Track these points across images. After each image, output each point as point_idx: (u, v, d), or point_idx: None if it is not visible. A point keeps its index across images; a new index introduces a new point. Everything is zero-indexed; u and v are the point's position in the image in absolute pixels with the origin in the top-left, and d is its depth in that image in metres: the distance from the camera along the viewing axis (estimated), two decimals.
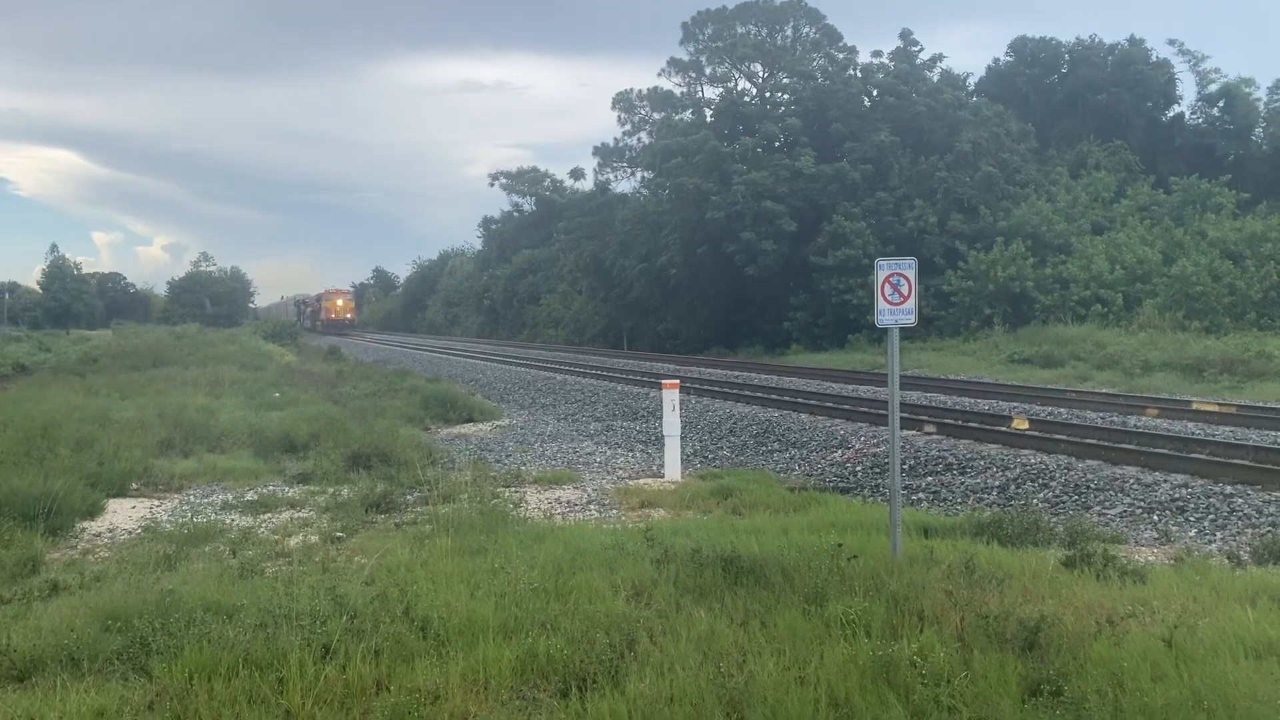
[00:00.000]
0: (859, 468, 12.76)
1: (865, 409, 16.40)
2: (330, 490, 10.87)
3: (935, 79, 42.19)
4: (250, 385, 22.88)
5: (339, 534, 8.77)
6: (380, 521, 9.35)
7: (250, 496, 10.78)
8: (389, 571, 6.96)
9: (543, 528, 8.69)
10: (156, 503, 10.77)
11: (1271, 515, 8.73)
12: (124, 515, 10.02)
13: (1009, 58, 48.33)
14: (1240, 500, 9.18)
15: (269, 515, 9.90)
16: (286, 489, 11.33)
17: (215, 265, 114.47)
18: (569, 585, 6.38)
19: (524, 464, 13.45)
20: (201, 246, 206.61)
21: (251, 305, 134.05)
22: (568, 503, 10.74)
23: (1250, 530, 8.48)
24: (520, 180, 68.96)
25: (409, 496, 10.52)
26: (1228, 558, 7.61)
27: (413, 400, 20.45)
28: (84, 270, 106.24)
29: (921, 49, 42.88)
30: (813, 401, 18.07)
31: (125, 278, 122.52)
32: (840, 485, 12.09)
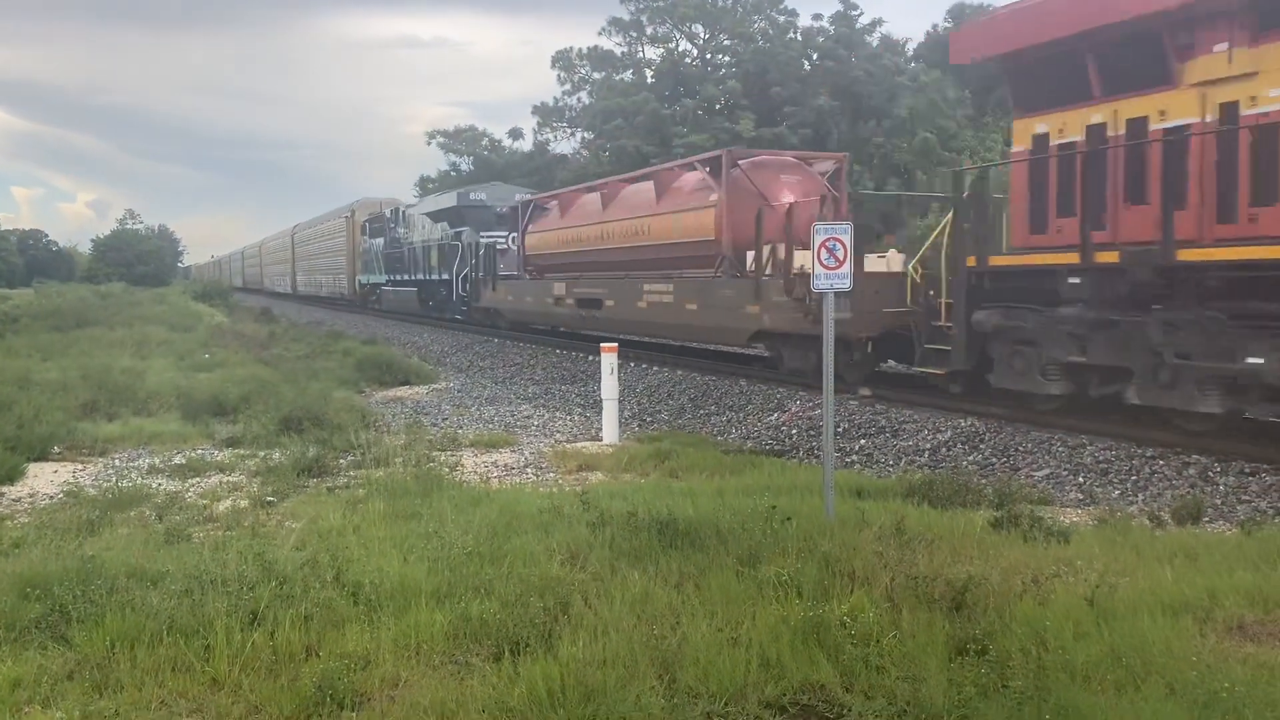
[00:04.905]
0: (795, 430, 12.88)
1: (801, 374, 16.52)
2: (261, 454, 10.68)
3: (875, 44, 42.40)
4: (179, 346, 22.35)
5: (269, 498, 8.63)
6: (312, 486, 9.22)
7: (178, 460, 10.54)
8: (320, 536, 6.87)
9: (478, 491, 8.63)
10: (79, 467, 10.48)
11: (1190, 477, 9.00)
12: (45, 480, 9.75)
13: (947, 24, 48.66)
14: (1162, 463, 9.44)
15: (197, 480, 9.70)
16: (216, 453, 11.11)
17: (142, 222, 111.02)
18: (504, 549, 6.35)
19: (461, 427, 13.34)
20: (128, 203, 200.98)
21: (181, 264, 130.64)
22: (505, 466, 10.69)
23: (1170, 492, 8.73)
24: (458, 139, 67.87)
25: (342, 460, 10.37)
26: (1149, 518, 7.83)
27: (347, 363, 20.15)
28: (3, 226, 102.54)
29: (861, 13, 43.08)
30: (751, 366, 18.17)
31: (47, 235, 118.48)
32: (776, 448, 12.19)
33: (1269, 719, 3.82)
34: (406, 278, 36.76)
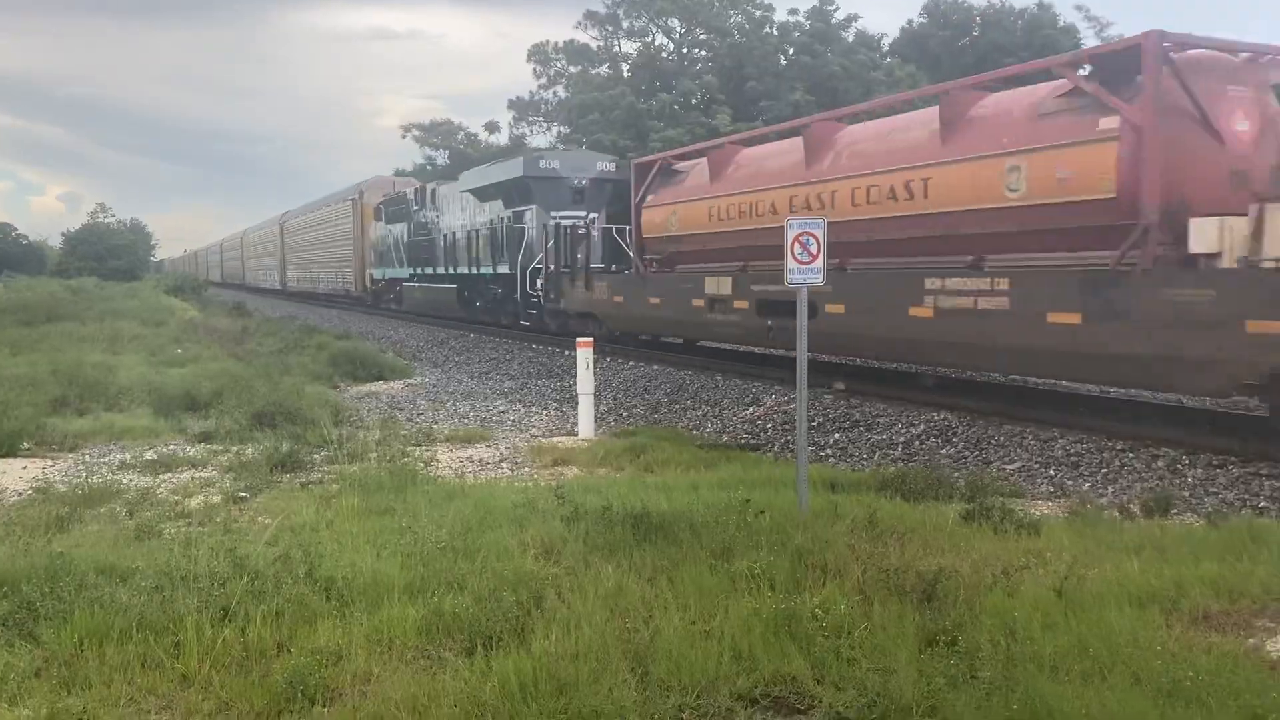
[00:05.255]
0: (770, 425, 12.92)
1: (778, 368, 16.58)
2: (234, 449, 10.61)
3: (850, 39, 42.54)
4: (151, 341, 22.16)
5: (242, 494, 8.57)
6: (285, 481, 9.16)
7: (149, 456, 10.45)
8: (293, 532, 6.83)
9: (453, 486, 8.62)
10: (49, 463, 10.37)
11: (1160, 470, 9.10)
12: (13, 476, 9.64)
13: (922, 20, 48.94)
14: (1132, 456, 9.54)
15: (169, 475, 9.62)
16: (188, 448, 11.02)
17: (114, 216, 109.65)
18: (478, 544, 6.35)
19: (436, 422, 13.30)
20: (99, 196, 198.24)
21: (153, 258, 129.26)
22: (480, 461, 10.66)
23: (1140, 484, 8.83)
24: (433, 132, 67.60)
25: (316, 456, 10.32)
26: (1119, 511, 7.92)
27: (321, 357, 20.02)
28: None
29: (837, 8, 43.17)
30: (727, 360, 18.21)
31: (16, 228, 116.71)
32: (752, 442, 12.23)
33: (1230, 706, 3.88)
34: (440, 271, 30.02)
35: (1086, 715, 3.85)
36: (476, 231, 27.08)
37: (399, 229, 34.34)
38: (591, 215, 22.86)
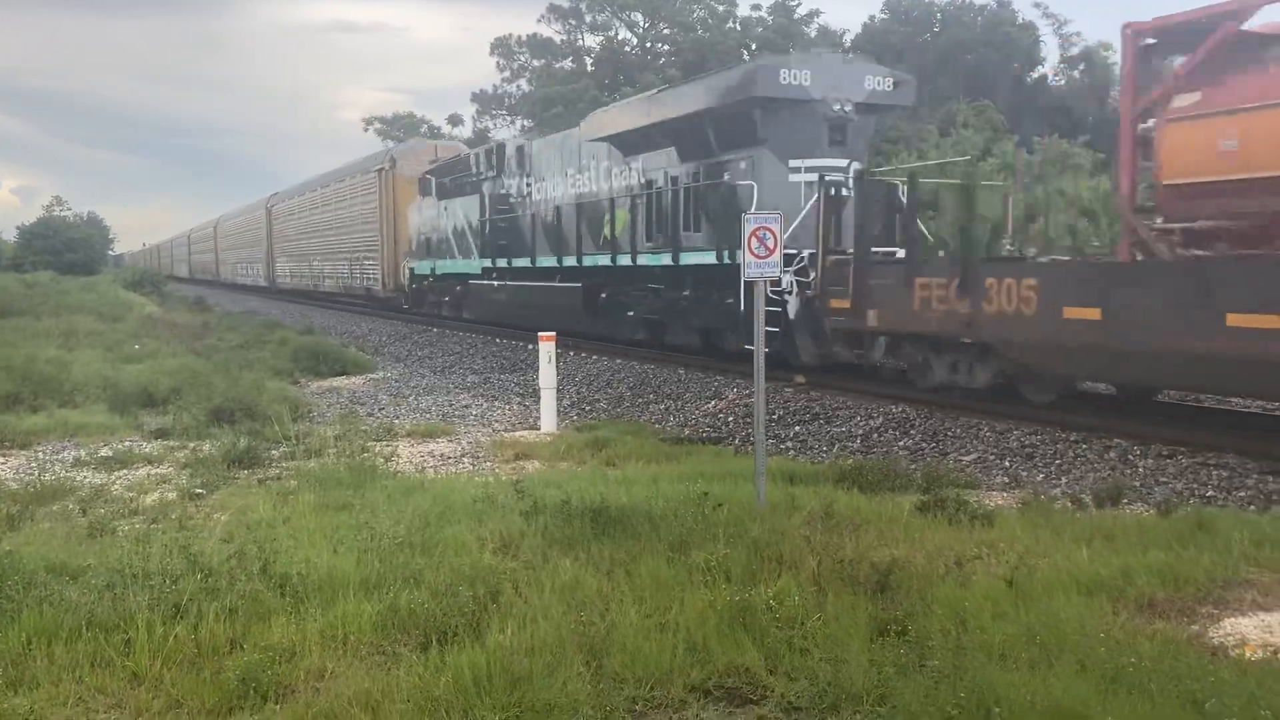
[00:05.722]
0: (731, 418, 12.98)
1: (741, 362, 16.63)
2: (190, 445, 10.50)
3: (813, 35, 42.74)
4: (108, 337, 21.82)
5: (198, 490, 8.49)
6: (243, 477, 9.08)
7: (104, 453, 10.32)
8: (248, 528, 6.78)
9: (412, 481, 8.59)
10: (1, 459, 10.21)
11: (1112, 460, 9.25)
12: None
13: (884, 16, 49.23)
14: (1085, 446, 9.69)
15: (124, 472, 9.51)
16: (144, 444, 10.89)
17: (70, 210, 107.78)
18: (436, 539, 6.34)
19: (398, 417, 13.24)
20: (55, 190, 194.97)
21: (111, 252, 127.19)
22: (441, 456, 10.63)
23: (1092, 475, 8.97)
24: (396, 126, 67.09)
25: (274, 451, 10.24)
26: (1071, 501, 8.04)
27: (282, 352, 19.83)
28: None
29: (800, 3, 43.33)
30: (690, 354, 18.27)
31: None
32: (713, 435, 12.28)
33: (1171, 692, 3.97)
34: (543, 264, 20.89)
35: (1032, 703, 3.92)
36: (639, 198, 17.54)
37: (462, 206, 24.86)
38: (853, 163, 14.62)
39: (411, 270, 29.01)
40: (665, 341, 17.56)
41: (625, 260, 17.86)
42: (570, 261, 19.78)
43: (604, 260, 18.58)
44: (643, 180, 17.75)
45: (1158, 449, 9.34)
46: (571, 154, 20.48)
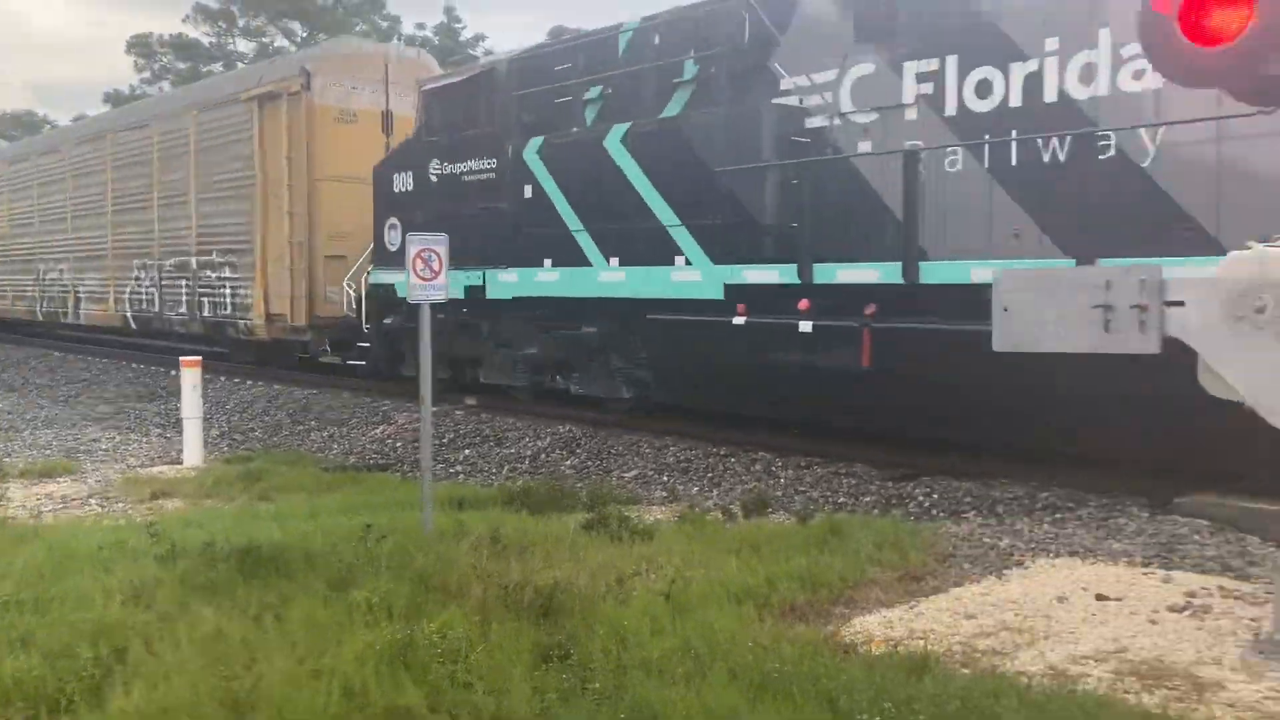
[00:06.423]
0: (400, 443, 12.63)
1: (409, 384, 16.23)
2: None
3: (480, 56, 42.97)
4: None
5: None
6: None
7: None
8: None
9: (25, 529, 7.57)
10: None
11: (757, 472, 9.92)
12: None
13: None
14: (734, 460, 10.32)
15: None
16: None
17: None
18: (51, 593, 5.59)
19: (8, 455, 11.65)
20: None
21: None
22: (62, 498, 9.47)
23: (741, 487, 9.56)
24: (15, 124, 59.69)
25: None
26: (723, 512, 8.51)
27: None
28: None
29: (465, 26, 43.47)
30: (354, 378, 17.59)
31: None
32: (381, 462, 11.88)
33: (810, 692, 4.24)
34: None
35: (687, 715, 4.04)
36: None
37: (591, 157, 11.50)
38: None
39: (388, 290, 14.59)
40: None
41: None
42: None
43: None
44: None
45: (796, 460, 10.12)
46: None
